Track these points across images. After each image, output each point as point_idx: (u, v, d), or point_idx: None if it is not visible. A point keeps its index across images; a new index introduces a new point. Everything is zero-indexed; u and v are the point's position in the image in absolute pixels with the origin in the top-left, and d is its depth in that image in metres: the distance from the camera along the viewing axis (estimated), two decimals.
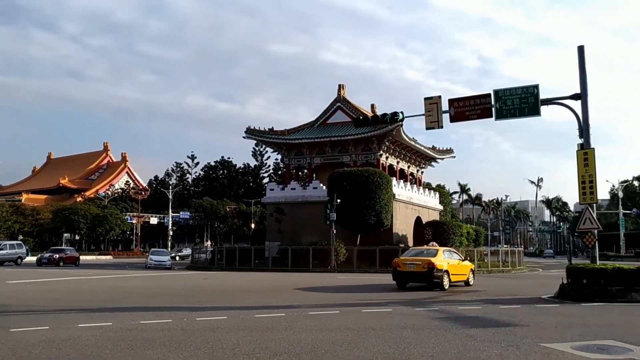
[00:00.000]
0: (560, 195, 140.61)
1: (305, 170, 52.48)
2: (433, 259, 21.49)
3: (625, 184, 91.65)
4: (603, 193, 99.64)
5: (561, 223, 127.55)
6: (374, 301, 16.85)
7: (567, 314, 13.76)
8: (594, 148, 17.84)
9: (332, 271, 37.63)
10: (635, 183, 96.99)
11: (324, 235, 40.63)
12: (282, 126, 52.16)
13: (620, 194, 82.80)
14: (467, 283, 23.63)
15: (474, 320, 12.29)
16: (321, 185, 46.54)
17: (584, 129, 18.13)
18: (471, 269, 24.65)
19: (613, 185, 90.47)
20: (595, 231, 18.00)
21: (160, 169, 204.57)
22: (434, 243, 33.33)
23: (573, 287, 17.07)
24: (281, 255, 41.74)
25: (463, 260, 24.08)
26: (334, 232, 38.71)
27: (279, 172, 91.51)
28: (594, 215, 17.80)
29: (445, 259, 22.28)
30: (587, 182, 17.66)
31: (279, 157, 57.66)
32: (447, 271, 21.56)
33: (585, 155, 17.80)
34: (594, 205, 18.09)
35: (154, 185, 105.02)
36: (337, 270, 37.86)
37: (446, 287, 21.27)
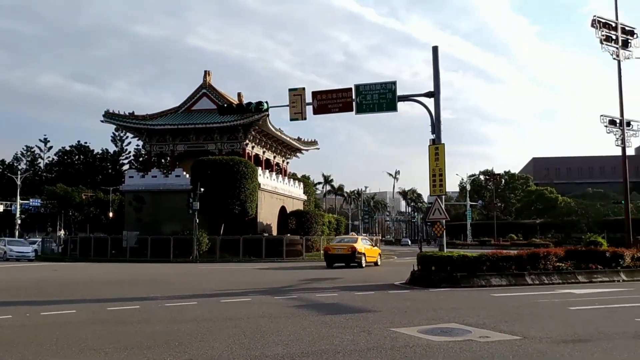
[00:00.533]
0: (416, 187, 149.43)
1: (168, 158, 50.97)
2: (355, 245, 28.84)
3: (472, 178, 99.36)
4: (454, 186, 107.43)
5: (416, 213, 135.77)
6: (234, 291, 16.77)
7: (416, 299, 14.63)
8: (444, 143, 19.12)
9: (194, 261, 36.99)
10: (482, 177, 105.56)
11: (186, 225, 39.80)
12: (146, 111, 50.23)
13: (468, 187, 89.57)
14: (376, 263, 30.25)
15: (329, 307, 12.66)
16: (184, 173, 45.46)
17: (435, 125, 19.35)
18: (379, 253, 32.10)
19: (462, 179, 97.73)
20: (444, 221, 19.31)
21: (8, 152, 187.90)
22: (353, 233, 42.42)
23: (423, 273, 18.21)
24: (140, 245, 40.24)
25: (373, 246, 32.22)
26: (197, 221, 38.03)
27: (140, 159, 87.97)
28: (443, 206, 19.08)
29: (363, 245, 29.79)
30: (437, 175, 18.88)
31: (141, 143, 55.49)
32: (364, 254, 28.96)
33: (436, 150, 19.01)
34: (443, 197, 19.39)
35: (0, 170, 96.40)
36: (199, 260, 37.27)
37: (364, 266, 28.35)
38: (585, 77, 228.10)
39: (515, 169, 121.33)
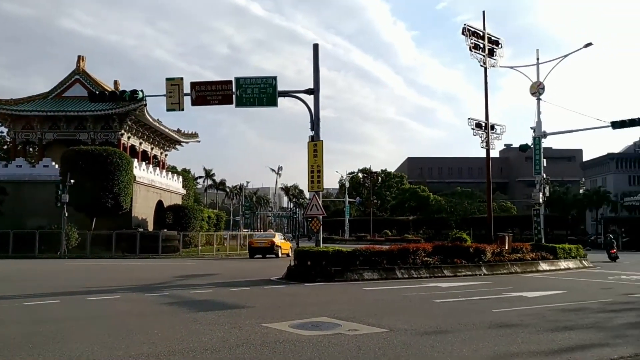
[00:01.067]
0: (298, 183, 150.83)
1: (36, 147, 47.49)
2: (273, 239, 36.64)
3: (351, 175, 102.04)
4: (334, 183, 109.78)
5: (297, 209, 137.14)
6: (102, 288, 15.91)
7: (291, 294, 14.70)
8: (322, 140, 19.40)
9: (62, 257, 34.75)
10: (360, 175, 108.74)
11: (54, 219, 37.23)
12: (12, 95, 46.38)
13: (347, 184, 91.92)
14: (288, 255, 34.27)
15: (202, 304, 12.35)
16: (53, 163, 42.60)
17: (315, 122, 19.58)
18: (291, 247, 37.08)
19: (342, 176, 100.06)
20: (321, 217, 19.61)
21: None
22: (271, 230, 45.72)
23: (299, 268, 18.36)
24: (1, 240, 37.08)
25: (286, 241, 40.82)
26: (66, 215, 35.75)
27: (4, 147, 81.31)
28: (320, 203, 19.36)
29: (279, 239, 37.76)
30: (315, 171, 19.11)
31: (5, 130, 51.27)
32: (280, 246, 36.49)
33: (315, 147, 19.25)
34: (321, 193, 19.68)
35: None
36: (67, 256, 35.08)
37: (280, 256, 35.15)
38: (456, 82, 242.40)
39: (392, 168, 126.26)
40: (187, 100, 20.20)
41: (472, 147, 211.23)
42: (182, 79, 20.29)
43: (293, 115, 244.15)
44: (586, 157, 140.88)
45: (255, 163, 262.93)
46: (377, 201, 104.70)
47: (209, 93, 20.12)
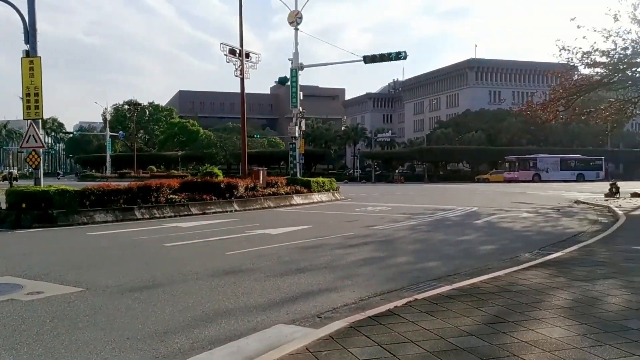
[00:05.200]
0: (57, 115, 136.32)
1: None
2: None
3: (115, 107, 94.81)
4: (97, 116, 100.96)
5: (57, 144, 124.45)
6: None
7: None
8: (40, 57, 15.93)
9: None
10: (126, 107, 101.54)
11: None
12: None
13: (109, 117, 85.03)
14: None
15: None
16: None
17: (29, 33, 15.94)
18: None
19: (105, 108, 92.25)
20: (40, 150, 16.40)
21: None
22: None
23: (11, 212, 15.13)
24: None
25: None
26: None
27: None
28: (39, 132, 16.10)
29: None
30: (32, 94, 15.74)
31: None
32: None
33: (31, 64, 15.77)
34: (40, 120, 16.35)
35: None
36: None
37: None
38: (231, 15, 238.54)
39: (163, 101, 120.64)
40: None
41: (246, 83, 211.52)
42: None
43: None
44: (348, 96, 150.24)
45: (4, 93, 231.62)
46: (144, 136, 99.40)
47: None
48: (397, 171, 79.39)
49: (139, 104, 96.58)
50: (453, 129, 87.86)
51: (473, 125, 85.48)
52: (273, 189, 22.70)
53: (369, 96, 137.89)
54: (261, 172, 23.53)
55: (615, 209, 19.53)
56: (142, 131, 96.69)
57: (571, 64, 27.21)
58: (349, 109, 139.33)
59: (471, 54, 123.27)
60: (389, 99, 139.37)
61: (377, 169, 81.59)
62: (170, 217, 17.21)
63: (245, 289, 7.18)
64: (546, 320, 5.19)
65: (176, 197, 18.06)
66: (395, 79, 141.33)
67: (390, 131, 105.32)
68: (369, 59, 26.56)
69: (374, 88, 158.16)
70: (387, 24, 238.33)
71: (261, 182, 22.71)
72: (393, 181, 68.27)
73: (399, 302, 5.96)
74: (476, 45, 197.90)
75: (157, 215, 17.05)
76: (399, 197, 30.24)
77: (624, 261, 8.71)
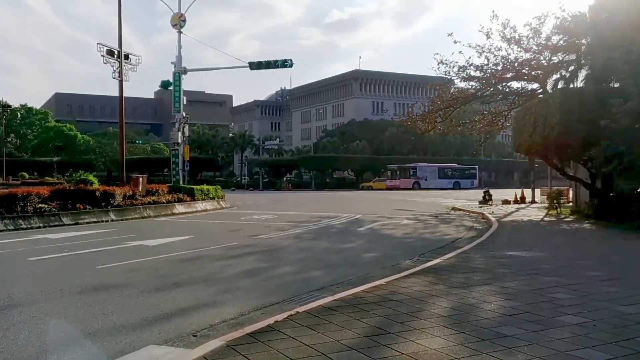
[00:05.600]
0: None
1: None
2: None
3: None
4: None
5: None
6: None
7: None
8: None
9: None
10: None
11: None
12: None
13: None
14: None
15: None
16: None
17: None
18: None
19: None
20: None
21: None
22: None
23: None
24: None
25: None
26: None
27: None
28: None
29: None
30: None
31: None
32: None
33: None
34: None
35: None
36: None
37: None
38: (113, 17, 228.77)
39: (38, 104, 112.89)
40: None
41: (127, 87, 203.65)
42: None
43: None
44: (236, 103, 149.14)
45: None
46: (15, 140, 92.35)
47: None
48: (285, 179, 79.68)
49: (9, 106, 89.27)
50: (339, 138, 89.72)
51: (358, 134, 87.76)
52: (153, 197, 21.68)
53: (257, 104, 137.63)
54: (140, 179, 22.41)
55: (489, 215, 20.63)
56: (12, 135, 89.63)
57: (448, 77, 28.60)
58: (237, 116, 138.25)
59: (356, 65, 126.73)
60: (277, 107, 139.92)
61: (265, 176, 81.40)
62: (38, 228, 15.86)
63: (116, 306, 6.62)
64: (426, 331, 5.15)
65: (46, 206, 16.69)
66: (283, 88, 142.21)
67: (278, 139, 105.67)
68: (255, 66, 26.33)
69: (262, 96, 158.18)
70: (274, 33, 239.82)
71: (140, 190, 21.60)
72: (281, 189, 68.45)
73: (280, 317, 5.70)
74: (360, 57, 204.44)
75: (24, 226, 15.64)
76: (286, 205, 30.18)
77: (498, 267, 9.04)
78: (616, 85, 17.58)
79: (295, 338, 4.91)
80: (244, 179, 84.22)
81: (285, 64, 26.44)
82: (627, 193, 17.87)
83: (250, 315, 6.14)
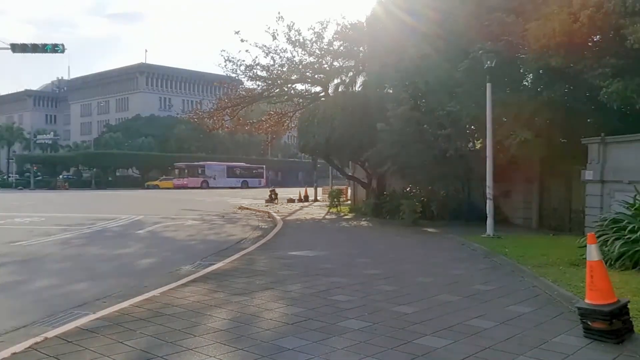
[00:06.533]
0: None
1: None
2: None
3: None
4: None
5: None
6: None
7: None
8: None
9: None
10: None
11: None
12: None
13: None
14: None
15: None
16: None
17: None
18: None
19: None
20: None
21: None
22: None
23: None
24: None
25: None
26: None
27: None
28: None
29: None
30: None
31: None
32: None
33: None
34: None
35: None
36: None
37: None
38: None
39: None
40: None
41: None
42: None
43: None
44: (3, 92, 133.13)
45: None
46: None
47: None
48: (61, 177, 72.78)
49: None
50: (123, 134, 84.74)
51: (144, 130, 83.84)
52: None
53: (28, 93, 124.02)
54: None
55: (274, 214, 20.75)
56: None
57: (235, 75, 28.37)
58: (4, 106, 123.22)
59: (142, 59, 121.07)
60: (53, 98, 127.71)
61: (39, 174, 73.47)
62: None
63: None
64: (200, 350, 4.55)
65: None
66: (60, 77, 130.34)
67: (52, 133, 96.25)
68: (19, 48, 23.18)
69: (36, 85, 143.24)
70: (51, 19, 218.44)
71: None
72: (57, 188, 62.42)
73: (20, 346, 4.63)
74: (146, 50, 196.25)
75: None
76: (58, 206, 27.30)
77: (281, 268, 8.79)
78: (390, 91, 18.78)
79: None
80: (12, 177, 75.27)
81: (56, 49, 23.67)
82: (398, 192, 19.31)
83: None
